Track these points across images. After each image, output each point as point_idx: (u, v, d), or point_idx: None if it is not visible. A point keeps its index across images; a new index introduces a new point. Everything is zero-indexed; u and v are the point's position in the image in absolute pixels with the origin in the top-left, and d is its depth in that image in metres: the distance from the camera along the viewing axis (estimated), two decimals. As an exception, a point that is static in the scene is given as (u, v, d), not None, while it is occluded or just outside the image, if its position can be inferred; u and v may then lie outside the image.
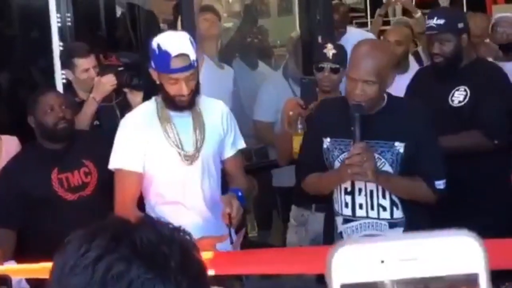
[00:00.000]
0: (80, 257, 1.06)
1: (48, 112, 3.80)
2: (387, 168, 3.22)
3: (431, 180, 3.25)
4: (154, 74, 3.32)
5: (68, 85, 4.51)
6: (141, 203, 3.42)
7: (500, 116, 3.88)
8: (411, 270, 0.80)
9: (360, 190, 3.27)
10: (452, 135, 3.76)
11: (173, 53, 3.20)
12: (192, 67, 3.26)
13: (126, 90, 4.14)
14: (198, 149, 3.36)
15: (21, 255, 3.55)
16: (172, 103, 3.33)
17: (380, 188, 3.25)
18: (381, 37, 5.60)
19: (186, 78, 3.24)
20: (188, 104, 3.33)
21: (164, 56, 3.22)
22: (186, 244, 1.11)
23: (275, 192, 5.30)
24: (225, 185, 3.54)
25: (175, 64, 3.21)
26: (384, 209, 3.26)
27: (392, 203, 3.26)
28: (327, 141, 3.34)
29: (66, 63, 4.40)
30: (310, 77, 4.10)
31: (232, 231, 3.26)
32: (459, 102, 3.96)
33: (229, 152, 3.53)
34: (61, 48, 4.71)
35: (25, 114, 3.90)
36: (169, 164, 3.34)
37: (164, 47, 3.23)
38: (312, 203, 4.05)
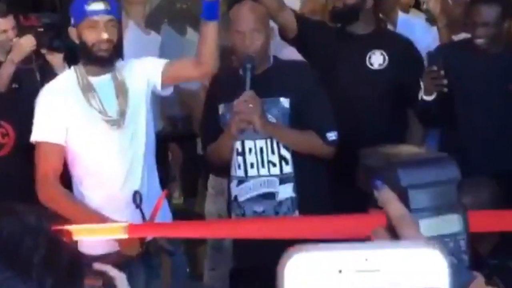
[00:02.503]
0: None
1: None
2: None
3: (322, 132, 3.37)
4: (74, 33, 3.30)
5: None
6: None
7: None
8: (370, 282, 0.74)
9: (250, 149, 3.36)
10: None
11: None
12: (111, 13, 3.27)
13: (44, 51, 4.05)
14: (122, 114, 3.30)
15: None
16: (91, 56, 3.26)
17: (269, 144, 3.34)
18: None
19: (105, 23, 3.24)
20: (108, 56, 3.27)
21: (81, 2, 3.24)
22: (55, 235, 1.02)
23: (200, 161, 5.29)
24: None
25: (92, 7, 3.22)
26: (274, 165, 3.35)
27: (282, 158, 3.35)
28: (221, 107, 3.44)
29: (-16, 24, 4.27)
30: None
31: (147, 210, 3.20)
32: (379, 65, 4.00)
33: (159, 71, 3.35)
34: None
35: None
36: (95, 132, 3.27)
37: None
38: None
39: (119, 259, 3.16)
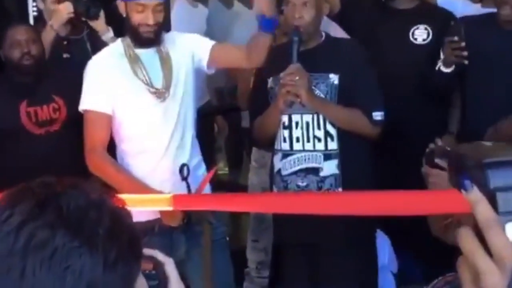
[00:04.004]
0: (1, 223, 1.00)
1: (14, 46, 3.77)
2: None
3: (369, 111, 3.36)
4: (122, 6, 3.31)
5: (39, 16, 4.46)
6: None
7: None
8: None
9: (297, 123, 3.37)
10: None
11: None
12: None
13: (83, 19, 4.11)
14: (167, 86, 3.34)
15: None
16: (137, 36, 3.30)
17: (315, 119, 3.34)
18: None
19: (153, 7, 3.24)
20: (154, 37, 3.31)
21: None
22: (117, 210, 1.06)
23: (244, 133, 5.33)
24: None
25: None
26: (319, 140, 3.36)
27: (327, 133, 3.36)
28: (270, 81, 3.45)
29: (39, -8, 4.34)
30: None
31: (193, 184, 3.26)
32: (423, 40, 3.95)
33: (207, 51, 3.39)
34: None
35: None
36: (140, 103, 3.31)
37: None
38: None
39: (161, 227, 3.22)
